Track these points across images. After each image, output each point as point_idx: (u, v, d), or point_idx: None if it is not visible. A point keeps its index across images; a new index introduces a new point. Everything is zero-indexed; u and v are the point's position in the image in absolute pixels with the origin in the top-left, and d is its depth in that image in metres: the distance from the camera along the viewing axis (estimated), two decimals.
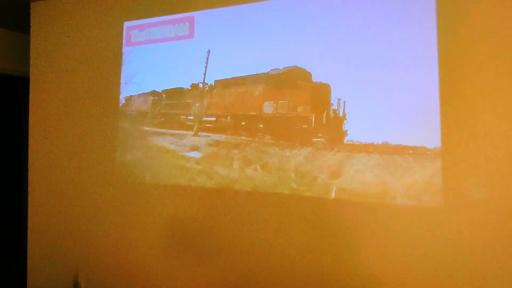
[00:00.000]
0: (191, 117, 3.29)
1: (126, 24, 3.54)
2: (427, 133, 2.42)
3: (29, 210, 3.92)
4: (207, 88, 3.20)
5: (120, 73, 3.56)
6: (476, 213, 2.31)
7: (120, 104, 3.56)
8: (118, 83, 3.57)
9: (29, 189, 3.90)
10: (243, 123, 3.04)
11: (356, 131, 2.63)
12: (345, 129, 2.66)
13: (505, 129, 2.26)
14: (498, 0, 2.30)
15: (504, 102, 2.29)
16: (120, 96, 3.57)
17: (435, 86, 2.41)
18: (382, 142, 2.52)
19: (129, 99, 3.54)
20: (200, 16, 3.21)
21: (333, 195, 2.65)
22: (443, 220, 2.38)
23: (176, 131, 3.33)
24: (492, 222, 2.27)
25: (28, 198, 3.90)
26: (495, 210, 2.27)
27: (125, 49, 3.55)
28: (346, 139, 2.65)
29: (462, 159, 2.37)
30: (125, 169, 3.51)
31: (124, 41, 3.55)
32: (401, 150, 2.47)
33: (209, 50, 3.14)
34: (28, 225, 3.92)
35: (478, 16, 2.36)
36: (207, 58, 3.15)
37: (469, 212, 2.33)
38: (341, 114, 2.67)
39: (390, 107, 2.53)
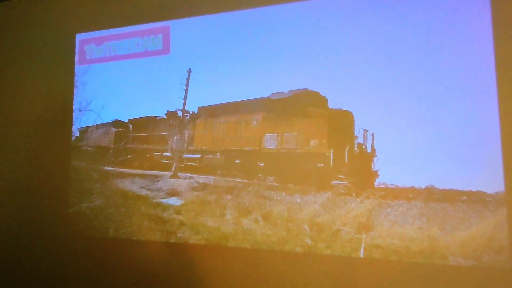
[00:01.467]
0: (168, 154, 2.74)
1: (79, 37, 2.94)
2: (485, 174, 1.96)
3: None
4: (189, 117, 2.70)
5: (73, 98, 2.92)
6: None
7: (73, 138, 2.95)
8: (70, 111, 2.93)
9: None
10: (237, 161, 2.52)
11: (391, 171, 2.13)
12: (375, 169, 2.20)
13: None
14: None
15: None
16: (73, 127, 2.94)
17: (495, 113, 1.92)
18: (426, 186, 2.05)
19: (84, 131, 2.96)
20: (177, 26, 2.63)
21: (362, 253, 2.14)
22: None
23: (148, 172, 2.76)
24: None
25: None
26: None
27: (78, 67, 2.94)
28: (377, 182, 2.17)
29: None
30: (81, 219, 2.79)
31: (76, 57, 2.95)
32: (451, 196, 2.02)
33: (189, 68, 2.60)
34: None
35: None
36: (188, 79, 2.61)
37: None
38: (369, 150, 2.21)
39: (435, 141, 2.04)
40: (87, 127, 2.92)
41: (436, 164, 2.02)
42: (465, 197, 1.98)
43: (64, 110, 2.92)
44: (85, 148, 2.91)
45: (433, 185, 2.03)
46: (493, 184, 1.93)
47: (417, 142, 2.06)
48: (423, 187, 2.04)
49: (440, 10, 2.02)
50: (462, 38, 1.99)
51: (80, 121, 2.90)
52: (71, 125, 2.91)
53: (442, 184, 2.01)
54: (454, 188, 2.00)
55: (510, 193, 1.92)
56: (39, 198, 2.93)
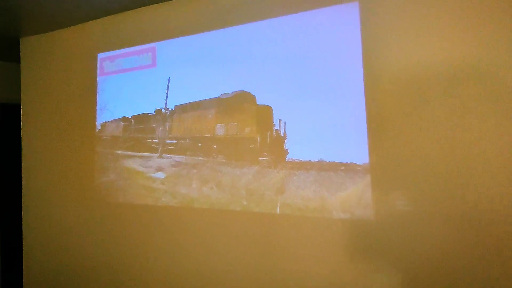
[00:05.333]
0: (156, 140, 3.45)
1: (100, 56, 3.80)
2: (356, 150, 2.56)
3: (23, 226, 4.25)
4: (169, 113, 3.37)
5: (96, 101, 3.81)
6: (404, 224, 2.42)
7: (96, 130, 3.81)
8: (94, 110, 3.82)
9: (23, 207, 4.18)
10: (199, 145, 3.19)
11: (296, 149, 2.76)
12: (286, 148, 2.79)
13: (425, 146, 2.36)
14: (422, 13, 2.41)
15: (425, 119, 2.39)
16: (96, 122, 3.81)
17: (362, 106, 2.54)
18: (318, 160, 2.64)
19: (104, 125, 3.74)
20: (161, 46, 3.44)
21: (278, 210, 2.76)
22: (375, 232, 2.50)
23: (143, 154, 3.52)
24: (417, 232, 2.38)
25: (22, 215, 4.19)
26: (420, 222, 2.37)
27: (99, 78, 3.78)
28: (287, 158, 2.78)
29: (388, 174, 2.47)
30: (102, 190, 3.73)
31: (98, 71, 3.80)
32: (334, 166, 2.60)
33: (169, 77, 3.30)
34: (23, 241, 4.25)
35: (404, 36, 2.47)
36: (168, 85, 3.34)
37: (397, 224, 2.45)
38: (282, 134, 2.80)
39: (323, 126, 2.67)
40: (105, 122, 3.73)
41: (325, 143, 2.63)
42: (343, 167, 2.55)
43: (90, 110, 3.81)
44: (104, 137, 3.73)
45: (323, 159, 2.61)
46: (362, 157, 2.51)
47: (312, 128, 2.70)
48: (316, 160, 2.64)
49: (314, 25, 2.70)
50: (333, 45, 2.65)
51: (100, 117, 3.76)
52: (95, 120, 3.80)
53: (329, 158, 2.60)
54: (336, 161, 2.58)
55: (373, 164, 2.49)
56: (72, 175, 3.95)
